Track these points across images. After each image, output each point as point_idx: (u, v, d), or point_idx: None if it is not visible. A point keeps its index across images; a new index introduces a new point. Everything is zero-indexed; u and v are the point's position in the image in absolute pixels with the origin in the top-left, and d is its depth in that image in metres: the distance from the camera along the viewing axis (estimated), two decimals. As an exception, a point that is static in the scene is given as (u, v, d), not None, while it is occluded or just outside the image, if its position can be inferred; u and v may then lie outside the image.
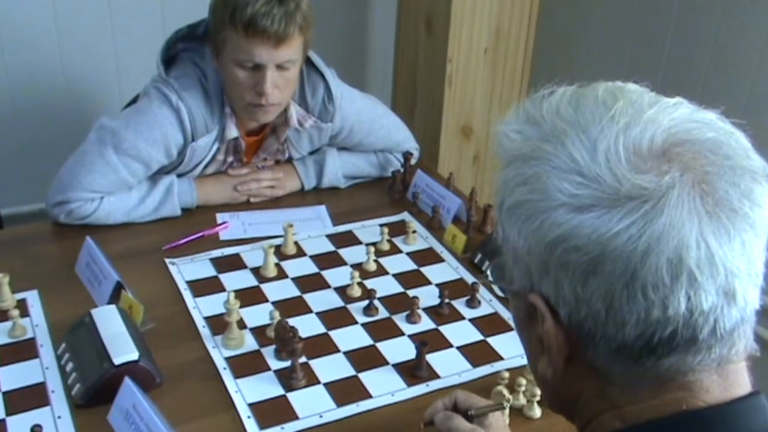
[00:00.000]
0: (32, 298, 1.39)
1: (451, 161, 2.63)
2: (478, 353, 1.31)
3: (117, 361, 1.16)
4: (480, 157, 2.70)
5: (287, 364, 1.24)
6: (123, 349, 1.18)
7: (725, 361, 0.61)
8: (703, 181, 0.58)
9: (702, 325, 0.58)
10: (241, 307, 1.31)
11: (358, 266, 1.52)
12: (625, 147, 0.59)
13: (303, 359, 1.25)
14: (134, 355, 1.17)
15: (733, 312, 0.58)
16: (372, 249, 1.53)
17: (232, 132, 1.64)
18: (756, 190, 0.59)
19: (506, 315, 1.39)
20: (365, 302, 1.40)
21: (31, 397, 1.17)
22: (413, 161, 1.86)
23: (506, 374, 1.20)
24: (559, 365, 0.65)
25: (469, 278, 1.50)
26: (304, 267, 1.52)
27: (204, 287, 1.44)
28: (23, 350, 1.26)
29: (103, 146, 1.55)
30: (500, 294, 0.79)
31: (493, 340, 1.34)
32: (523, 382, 1.19)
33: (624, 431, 0.62)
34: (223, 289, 1.44)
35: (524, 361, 1.12)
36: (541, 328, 0.64)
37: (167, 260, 1.52)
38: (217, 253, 1.55)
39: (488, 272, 0.78)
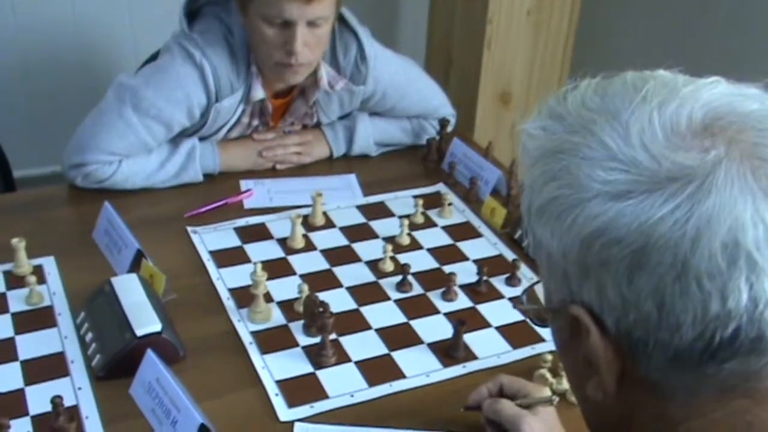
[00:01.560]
0: (48, 264, 1.42)
1: (487, 130, 2.63)
2: (518, 334, 1.32)
3: (139, 332, 1.18)
4: (519, 126, 2.69)
5: (316, 340, 1.26)
6: (145, 320, 1.20)
7: None
8: (753, 155, 0.56)
9: None
10: (267, 279, 1.33)
11: (390, 239, 1.53)
12: (661, 126, 0.57)
13: (333, 336, 1.27)
14: (157, 327, 1.20)
15: None
16: (405, 222, 1.54)
17: (259, 93, 1.65)
18: None
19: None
20: (398, 278, 1.42)
21: (50, 367, 1.20)
22: (450, 129, 1.86)
23: (549, 357, 1.21)
24: (610, 386, 0.62)
25: (509, 255, 1.51)
26: (333, 239, 1.54)
27: (228, 258, 1.46)
28: (41, 318, 1.29)
29: (122, 105, 1.56)
30: (535, 325, 0.77)
31: (534, 321, 1.35)
32: (567, 365, 1.20)
33: None
34: (248, 260, 1.46)
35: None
36: (586, 342, 0.61)
37: (189, 228, 1.54)
38: (241, 222, 1.57)
39: (522, 298, 0.78)
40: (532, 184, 0.63)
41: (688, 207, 0.54)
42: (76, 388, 1.17)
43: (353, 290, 1.40)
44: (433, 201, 1.66)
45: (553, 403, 1.05)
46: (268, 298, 1.36)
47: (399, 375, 1.23)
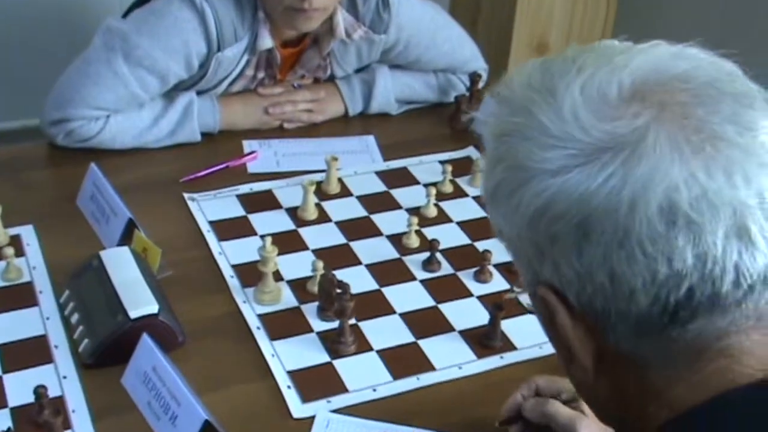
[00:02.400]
0: (27, 234, 1.40)
1: (519, 86, 2.60)
2: (562, 322, 1.30)
3: (133, 314, 1.16)
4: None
5: (333, 325, 1.24)
6: (140, 300, 1.18)
7: (766, 314, 0.63)
8: (682, 115, 0.61)
9: (721, 276, 0.60)
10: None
11: (415, 211, 1.51)
12: (591, 98, 0.63)
13: (352, 321, 1.25)
14: (153, 308, 1.18)
15: (757, 256, 0.60)
16: (432, 190, 1.52)
17: (266, 42, 1.62)
18: (744, 114, 0.62)
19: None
20: (425, 255, 1.40)
21: (31, 352, 1.18)
22: (481, 84, 1.83)
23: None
24: (587, 363, 0.68)
25: (550, 230, 1.49)
26: (350, 209, 1.52)
27: (231, 229, 1.45)
28: (19, 296, 1.28)
29: (111, 53, 1.53)
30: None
31: (580, 307, 1.33)
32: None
33: (674, 422, 0.65)
34: (253, 233, 1.44)
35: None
36: (557, 322, 0.68)
37: (186, 195, 1.52)
38: (245, 188, 1.55)
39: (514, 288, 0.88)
40: (486, 170, 0.71)
41: (621, 174, 0.60)
42: (60, 377, 1.15)
43: (374, 268, 1.38)
44: (463, 167, 1.63)
45: None
46: (278, 276, 1.33)
47: (427, 366, 1.21)
